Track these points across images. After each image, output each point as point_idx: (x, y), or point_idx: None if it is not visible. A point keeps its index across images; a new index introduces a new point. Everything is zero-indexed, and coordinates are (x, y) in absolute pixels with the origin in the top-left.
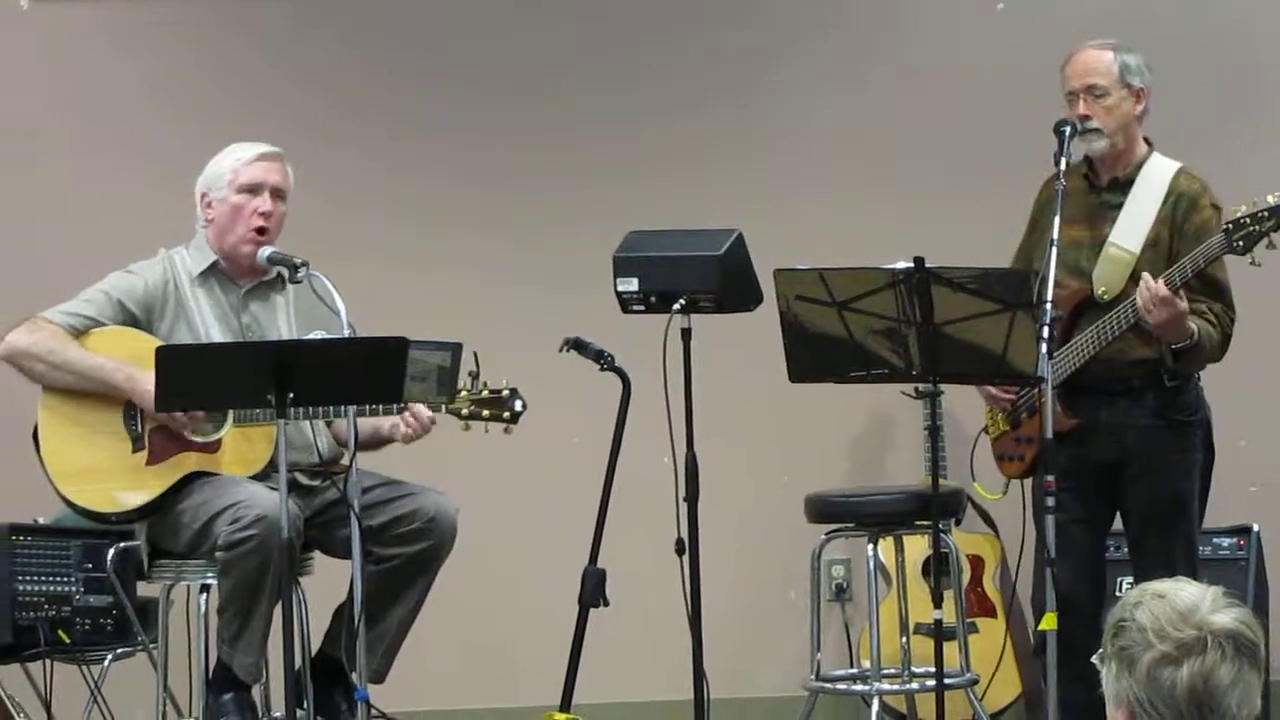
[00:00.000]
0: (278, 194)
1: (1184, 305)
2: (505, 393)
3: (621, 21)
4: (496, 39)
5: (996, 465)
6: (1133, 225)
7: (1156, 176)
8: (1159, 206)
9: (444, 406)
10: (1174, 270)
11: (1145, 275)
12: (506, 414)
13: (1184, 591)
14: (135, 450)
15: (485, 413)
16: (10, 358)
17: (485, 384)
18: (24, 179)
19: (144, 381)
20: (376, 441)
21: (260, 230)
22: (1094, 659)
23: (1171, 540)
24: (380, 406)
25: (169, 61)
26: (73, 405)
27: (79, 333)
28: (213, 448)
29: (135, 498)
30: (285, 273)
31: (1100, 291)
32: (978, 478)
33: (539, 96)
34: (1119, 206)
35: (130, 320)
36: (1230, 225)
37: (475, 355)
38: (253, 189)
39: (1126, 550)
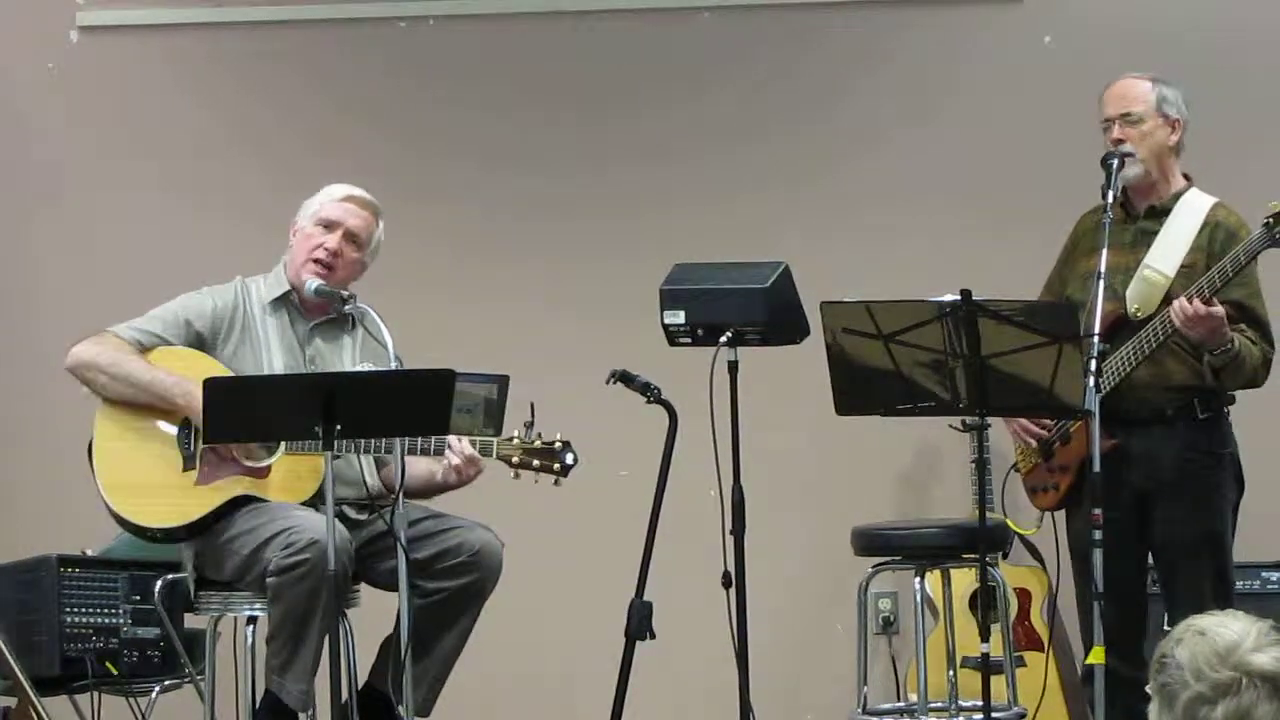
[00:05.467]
0: (351, 238)
1: (1219, 310)
2: (558, 445)
3: (675, 54)
4: (548, 72)
5: (1029, 498)
6: (1168, 250)
7: (1193, 207)
8: (1195, 234)
9: (495, 451)
10: (1214, 273)
11: (1178, 300)
12: (557, 466)
13: (1226, 629)
14: (186, 469)
15: (536, 463)
16: (75, 369)
17: (539, 435)
18: (75, 210)
19: (200, 399)
20: (431, 489)
21: (320, 263)
22: (1148, 688)
23: (1202, 576)
24: (430, 449)
25: (221, 94)
26: (129, 419)
27: (144, 348)
28: (262, 473)
29: (180, 516)
30: (346, 307)
31: (1134, 310)
32: (1009, 512)
33: (588, 128)
34: (1154, 233)
35: (196, 340)
36: (1271, 219)
37: (532, 406)
38: (328, 225)
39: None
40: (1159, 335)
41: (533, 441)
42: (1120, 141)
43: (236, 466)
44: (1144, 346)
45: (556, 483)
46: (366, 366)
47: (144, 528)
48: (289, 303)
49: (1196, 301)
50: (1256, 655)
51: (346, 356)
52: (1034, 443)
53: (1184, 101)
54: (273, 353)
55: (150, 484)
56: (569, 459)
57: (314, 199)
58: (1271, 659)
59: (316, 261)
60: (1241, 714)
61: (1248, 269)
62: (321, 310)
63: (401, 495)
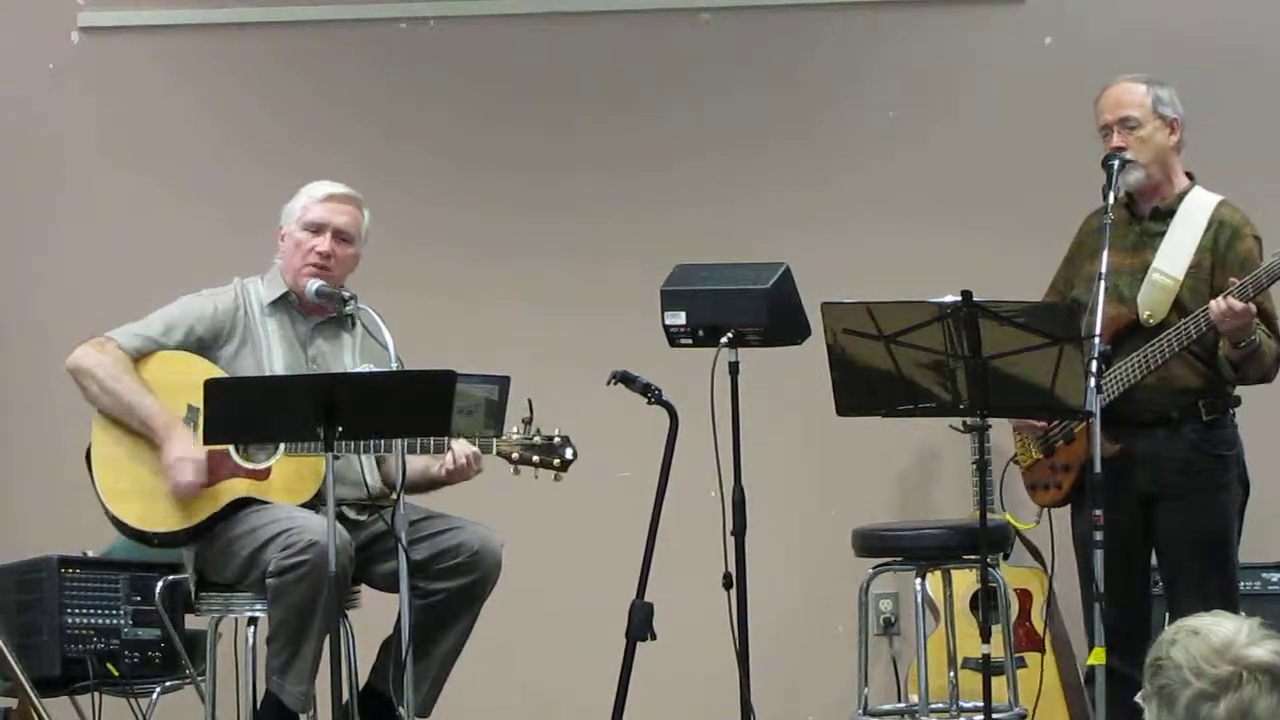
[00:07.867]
0: (342, 236)
1: (1252, 307)
2: (557, 440)
3: (675, 55)
4: (549, 73)
5: (1029, 494)
6: (1175, 252)
7: (1198, 207)
8: (1201, 235)
9: (495, 447)
10: (1247, 282)
11: (1220, 300)
12: (557, 461)
13: (1219, 627)
14: None
15: (536, 458)
16: (74, 372)
17: (538, 430)
18: (76, 211)
19: (177, 440)
20: (427, 483)
21: (318, 267)
22: (1138, 698)
23: (1208, 577)
24: (430, 448)
25: (222, 95)
26: (126, 425)
27: (142, 354)
28: (261, 475)
29: (181, 520)
30: (348, 307)
31: (1146, 316)
32: (1007, 507)
33: (587, 128)
34: (1160, 235)
35: (197, 344)
36: None
37: (530, 402)
38: (316, 228)
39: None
40: (1171, 348)
41: (532, 437)
42: (1121, 149)
43: (236, 469)
44: (1154, 358)
45: (556, 478)
46: (368, 367)
47: (145, 533)
48: (288, 304)
49: (1234, 300)
50: (1253, 649)
51: (347, 356)
52: (1040, 428)
53: (1179, 99)
54: (274, 354)
55: (150, 489)
56: (568, 454)
57: (295, 201)
58: (1268, 651)
59: (312, 265)
60: (1244, 709)
61: (1253, 266)
62: (321, 311)
63: (402, 496)
